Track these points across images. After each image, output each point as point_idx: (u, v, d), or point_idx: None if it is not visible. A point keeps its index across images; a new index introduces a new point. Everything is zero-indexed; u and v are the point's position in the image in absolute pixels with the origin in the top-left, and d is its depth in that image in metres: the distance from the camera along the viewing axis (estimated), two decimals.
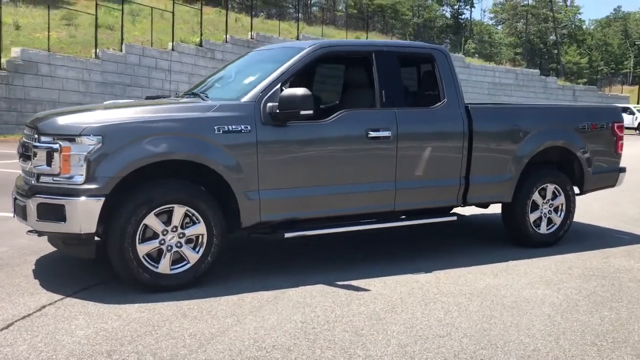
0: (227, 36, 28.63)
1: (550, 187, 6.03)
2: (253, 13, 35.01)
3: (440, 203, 5.52)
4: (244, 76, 5.22)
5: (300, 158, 4.74)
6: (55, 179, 4.16)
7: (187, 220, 4.42)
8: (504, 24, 78.61)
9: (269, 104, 4.57)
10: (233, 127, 4.46)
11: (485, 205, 6.22)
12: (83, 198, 4.08)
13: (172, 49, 26.00)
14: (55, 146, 4.14)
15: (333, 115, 4.94)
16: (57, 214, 4.12)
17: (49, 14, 22.91)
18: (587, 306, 4.31)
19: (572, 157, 6.16)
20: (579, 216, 7.75)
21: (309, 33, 33.85)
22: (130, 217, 4.18)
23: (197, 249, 4.46)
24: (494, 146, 5.64)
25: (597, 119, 6.28)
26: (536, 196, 5.96)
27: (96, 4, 24.42)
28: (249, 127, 4.51)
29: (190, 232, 4.42)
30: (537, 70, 46.87)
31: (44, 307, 4.00)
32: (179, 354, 3.32)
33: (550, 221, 6.10)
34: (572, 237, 6.53)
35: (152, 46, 25.40)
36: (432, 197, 5.41)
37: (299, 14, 43.64)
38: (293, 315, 3.95)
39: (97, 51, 23.34)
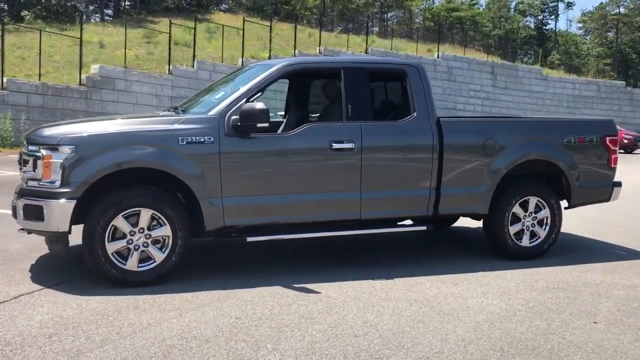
0: (296, 51, 29.40)
1: (533, 200, 6.05)
2: (329, 28, 35.90)
3: (409, 213, 5.70)
4: (219, 92, 5.64)
5: (262, 168, 5.10)
6: (39, 183, 4.75)
7: (155, 222, 4.88)
8: (592, 34, 75.50)
9: (232, 117, 4.97)
10: (196, 138, 4.89)
11: (457, 217, 6.35)
12: (57, 200, 4.63)
13: (242, 65, 27.07)
14: (39, 154, 4.72)
15: (298, 128, 5.28)
16: (37, 214, 4.69)
17: (125, 33, 24.60)
18: (524, 316, 4.38)
19: (557, 171, 6.15)
20: (585, 231, 7.65)
21: (378, 46, 34.12)
22: (100, 218, 4.69)
23: (163, 249, 4.91)
24: (466, 159, 5.76)
25: (585, 133, 6.24)
26: (517, 209, 6.00)
27: (170, 23, 25.87)
28: (212, 138, 4.93)
29: (156, 233, 4.88)
30: (622, 82, 44.80)
31: (21, 295, 4.57)
32: (110, 339, 3.74)
33: (533, 234, 6.11)
34: (564, 251, 6.51)
35: (222, 62, 26.58)
36: (400, 207, 5.60)
37: (369, 27, 44.11)
38: (231, 312, 4.30)
39: (171, 67, 24.71)
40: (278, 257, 6.07)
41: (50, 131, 4.91)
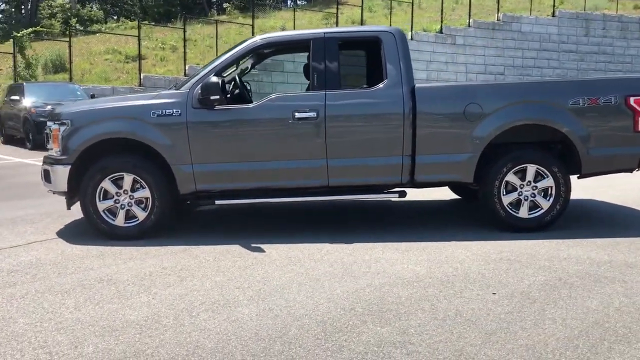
0: (470, 20, 28.41)
1: (531, 168, 5.62)
2: None
3: (381, 180, 5.70)
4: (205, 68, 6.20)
5: (228, 137, 5.57)
6: (51, 152, 5.81)
7: (138, 185, 5.66)
8: None
9: (198, 92, 5.51)
10: (166, 111, 5.53)
11: (439, 185, 6.13)
12: (58, 166, 5.64)
13: (411, 38, 27.00)
14: (53, 127, 5.77)
15: (263, 99, 5.63)
16: (47, 177, 5.77)
17: (294, 19, 26.02)
18: (428, 283, 4.29)
19: (561, 136, 5.62)
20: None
21: (568, 7, 31.30)
22: (90, 180, 5.59)
23: (145, 209, 5.67)
24: (444, 125, 5.57)
25: (598, 93, 5.56)
26: (511, 177, 5.63)
27: (337, 4, 26.73)
28: (179, 111, 5.53)
29: (138, 195, 5.65)
30: None
31: (32, 242, 5.68)
32: (48, 277, 4.59)
33: (534, 205, 5.69)
34: (582, 223, 5.94)
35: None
36: (371, 174, 5.64)
37: None
38: (164, 263, 4.90)
39: None
40: (267, 221, 6.51)
41: (62, 109, 5.93)
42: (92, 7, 38.71)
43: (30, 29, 21.70)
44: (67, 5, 35.35)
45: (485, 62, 27.64)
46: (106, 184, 5.63)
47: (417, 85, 5.61)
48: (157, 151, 5.56)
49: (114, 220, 5.67)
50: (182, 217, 6.68)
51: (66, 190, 5.69)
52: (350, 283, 4.29)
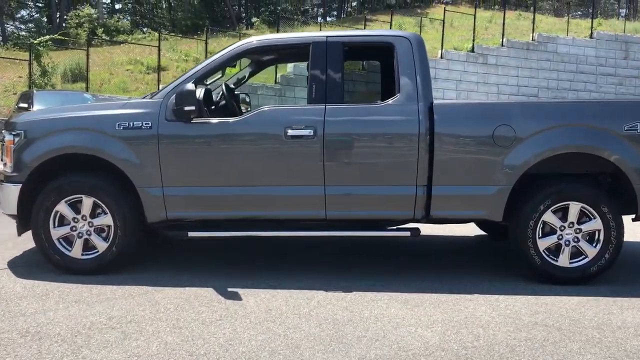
0: (504, 39, 27.29)
1: (575, 207, 4.57)
2: (563, 13, 32.58)
3: (390, 214, 4.70)
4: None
5: (207, 156, 4.64)
6: (5, 166, 4.95)
7: (99, 210, 4.75)
8: None
9: (172, 101, 4.61)
10: (134, 123, 4.63)
11: (460, 222, 5.09)
12: (8, 184, 4.77)
13: (441, 57, 26.00)
14: (7, 139, 4.91)
15: (250, 112, 4.70)
16: None
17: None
18: (441, 358, 3.27)
19: (613, 168, 4.56)
20: None
21: (607, 29, 30.02)
22: (42, 203, 4.71)
23: (106, 239, 4.76)
24: (468, 151, 4.56)
25: None
26: (549, 217, 4.59)
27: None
28: (149, 124, 4.62)
29: (99, 222, 4.74)
30: None
31: None
32: None
33: (577, 252, 4.63)
34: (638, 276, 4.85)
35: None
36: (377, 206, 4.65)
37: (617, 9, 38.94)
38: (113, 310, 3.96)
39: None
40: (251, 258, 5.53)
41: (18, 117, 5.08)
42: (119, 18, 38.52)
43: (47, 37, 21.23)
44: (95, 15, 35.19)
45: (518, 83, 26.48)
46: (62, 208, 4.73)
47: (435, 101, 4.61)
48: (122, 170, 4.66)
49: (69, 251, 4.77)
50: (155, 248, 5.76)
51: (16, 213, 4.81)
52: (338, 354, 3.29)
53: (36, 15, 47.17)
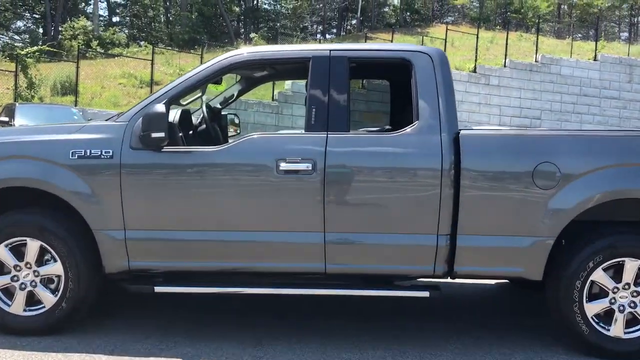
0: (506, 60, 26.61)
1: (633, 264, 3.71)
2: (564, 35, 32.15)
3: (404, 269, 3.82)
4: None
5: (182, 193, 3.77)
6: None
7: (48, 257, 3.87)
8: None
9: (139, 126, 3.75)
10: (91, 151, 3.77)
11: (490, 278, 4.19)
12: None
13: None
14: None
15: (236, 141, 3.84)
16: None
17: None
18: None
19: None
20: None
21: (611, 52, 29.41)
22: None
23: (56, 292, 3.87)
24: (501, 192, 3.70)
25: None
26: (599, 275, 3.72)
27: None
28: (110, 152, 3.76)
29: (46, 270, 3.86)
30: None
31: None
32: None
33: (634, 319, 3.76)
34: None
35: None
36: (388, 259, 3.77)
37: (616, 33, 38.48)
38: None
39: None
40: (229, 319, 4.63)
41: None
42: (115, 31, 37.83)
43: (35, 48, 20.43)
44: (90, 28, 34.48)
45: (520, 105, 25.82)
46: (1, 253, 3.85)
47: (462, 131, 3.76)
48: (75, 208, 3.79)
49: (9, 306, 3.88)
50: (116, 301, 4.86)
51: None
52: None
53: (32, 27, 46.50)
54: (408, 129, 3.75)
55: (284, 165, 3.69)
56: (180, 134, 3.99)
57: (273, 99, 22.52)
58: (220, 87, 5.04)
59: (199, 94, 4.54)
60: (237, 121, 5.63)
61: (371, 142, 3.79)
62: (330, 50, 3.90)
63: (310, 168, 3.68)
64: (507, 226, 3.69)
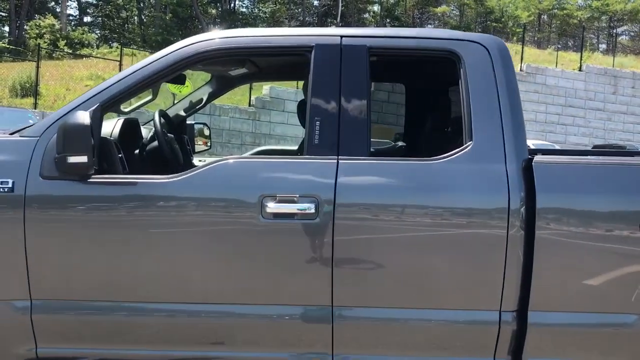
0: None
1: None
2: (544, 45, 31.59)
3: None
4: None
5: (117, 246, 2.50)
6: None
7: None
8: None
9: (53, 144, 2.47)
10: None
11: None
12: None
13: None
14: None
15: (200, 168, 2.57)
16: None
17: None
18: None
19: None
20: None
21: (597, 63, 28.81)
22: None
23: None
24: (596, 246, 2.50)
25: None
26: None
27: None
28: (9, 183, 2.48)
29: None
30: None
31: None
32: None
33: None
34: None
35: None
36: (426, 346, 2.55)
37: (595, 44, 38.12)
38: None
39: None
40: None
41: None
42: (84, 30, 36.13)
43: None
44: (57, 26, 32.78)
45: None
46: None
47: (537, 158, 2.55)
48: None
49: None
50: None
51: None
52: None
53: None
54: (459, 153, 2.53)
55: (272, 206, 2.44)
56: (120, 155, 2.73)
57: (250, 105, 21.24)
58: (184, 88, 3.78)
59: (149, 98, 3.27)
60: (207, 132, 4.40)
61: (402, 171, 2.55)
62: (341, 37, 2.66)
63: (312, 210, 2.43)
64: (601, 298, 2.50)
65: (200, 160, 3.99)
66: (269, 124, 21.38)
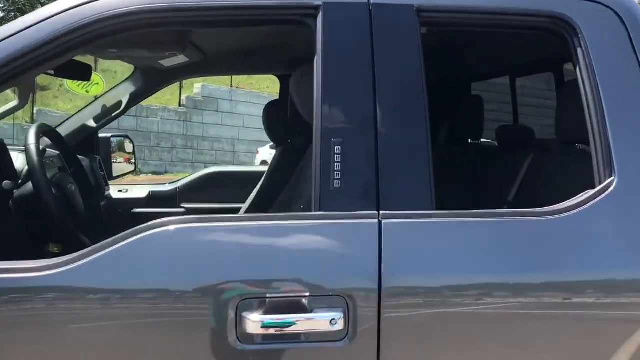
0: None
1: None
2: None
3: None
4: None
5: None
6: None
7: None
8: None
9: None
10: None
11: None
12: None
13: None
14: None
15: (111, 243, 1.29)
16: None
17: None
18: None
19: None
20: None
21: None
22: None
23: None
24: None
25: None
26: None
27: None
28: None
29: None
30: None
31: None
32: None
33: None
34: None
35: None
36: None
37: None
38: None
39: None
40: None
41: None
42: None
43: None
44: None
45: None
46: None
47: None
48: None
49: None
50: None
51: None
52: None
53: None
54: (596, 200, 1.37)
55: (258, 318, 1.21)
56: None
57: (180, 105, 19.67)
58: (92, 86, 2.52)
59: (14, 104, 1.93)
60: (129, 148, 3.13)
61: (509, 232, 1.36)
62: None
63: (338, 325, 1.22)
64: None
65: (120, 191, 2.73)
66: (201, 125, 19.92)
